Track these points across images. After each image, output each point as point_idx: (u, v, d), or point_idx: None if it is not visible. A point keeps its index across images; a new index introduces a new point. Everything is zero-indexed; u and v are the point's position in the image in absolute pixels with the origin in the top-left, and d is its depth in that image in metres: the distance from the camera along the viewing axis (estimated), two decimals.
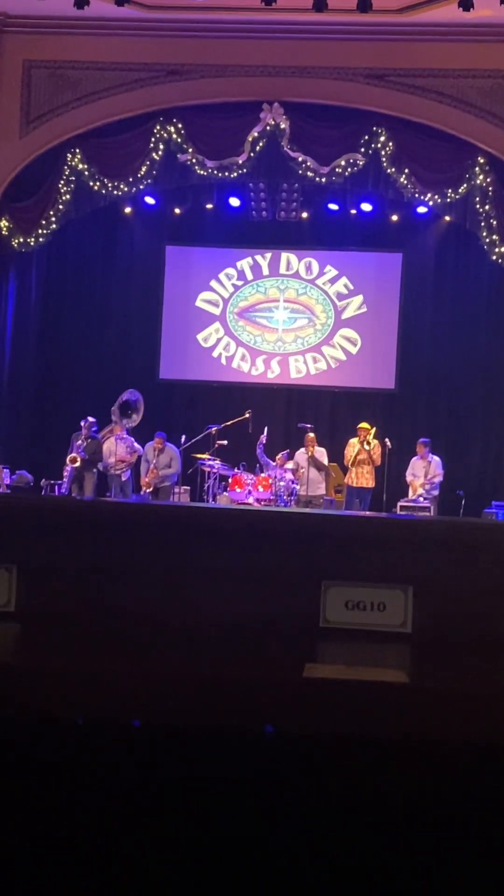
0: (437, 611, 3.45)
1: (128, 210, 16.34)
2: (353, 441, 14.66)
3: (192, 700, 2.68)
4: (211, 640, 3.23)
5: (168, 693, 2.69)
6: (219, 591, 3.50)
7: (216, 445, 14.70)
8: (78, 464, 14.08)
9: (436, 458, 14.78)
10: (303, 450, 14.66)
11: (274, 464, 14.70)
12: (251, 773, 2.63)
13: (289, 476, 14.61)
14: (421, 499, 14.62)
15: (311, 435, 14.65)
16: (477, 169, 14.15)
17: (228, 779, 2.60)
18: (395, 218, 16.05)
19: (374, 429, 14.65)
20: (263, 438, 14.70)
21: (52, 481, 14.59)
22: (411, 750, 2.66)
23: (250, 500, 14.23)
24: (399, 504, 14.52)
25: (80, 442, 14.17)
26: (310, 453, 14.54)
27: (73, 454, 14.14)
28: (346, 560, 3.59)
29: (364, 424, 14.68)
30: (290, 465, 14.70)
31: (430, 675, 3.03)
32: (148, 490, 14.43)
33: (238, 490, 14.41)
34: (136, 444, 14.62)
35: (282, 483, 14.57)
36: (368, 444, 14.47)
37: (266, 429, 14.84)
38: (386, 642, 3.29)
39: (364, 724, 2.66)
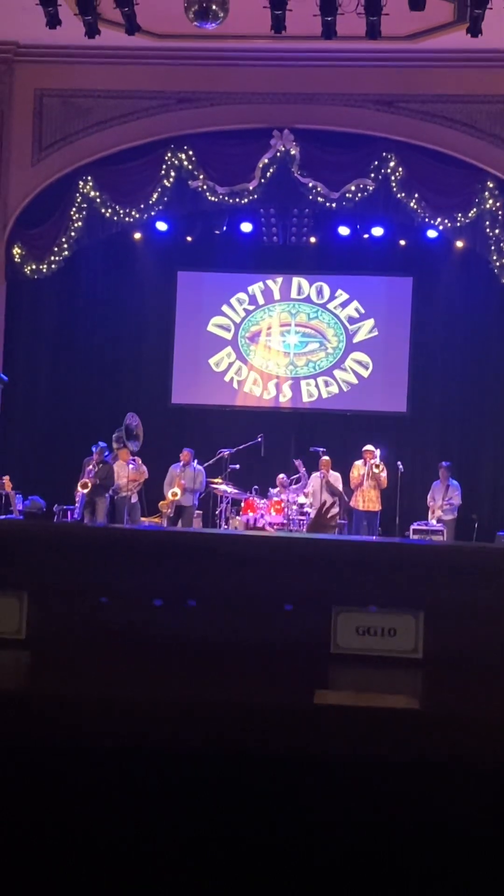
0: (449, 636, 3.44)
1: (139, 236, 16.43)
2: (358, 464, 14.66)
3: (202, 725, 2.68)
4: (221, 666, 3.22)
5: (179, 718, 2.69)
6: (228, 616, 3.50)
7: (228, 470, 14.72)
8: (89, 489, 14.09)
9: (455, 482, 14.80)
10: (317, 473, 14.66)
11: (277, 489, 14.75)
12: (260, 799, 2.63)
13: (301, 500, 14.63)
14: (434, 521, 14.61)
15: (326, 458, 14.65)
16: (486, 193, 14.23)
17: (237, 804, 2.60)
18: (404, 242, 16.10)
19: (378, 451, 14.64)
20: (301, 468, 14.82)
21: (65, 507, 14.61)
22: (423, 776, 2.65)
23: (262, 523, 14.24)
24: (412, 527, 14.51)
25: (91, 467, 14.19)
26: (324, 477, 14.55)
27: (84, 479, 14.16)
28: (357, 585, 3.58)
29: (369, 447, 14.68)
30: (307, 489, 14.74)
31: (442, 700, 3.02)
32: (169, 510, 14.40)
33: (250, 514, 14.41)
34: (142, 466, 14.66)
35: (294, 507, 14.58)
36: (376, 467, 14.46)
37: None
38: (397, 668, 3.28)
39: (375, 751, 2.65)
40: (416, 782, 2.60)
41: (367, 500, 14.55)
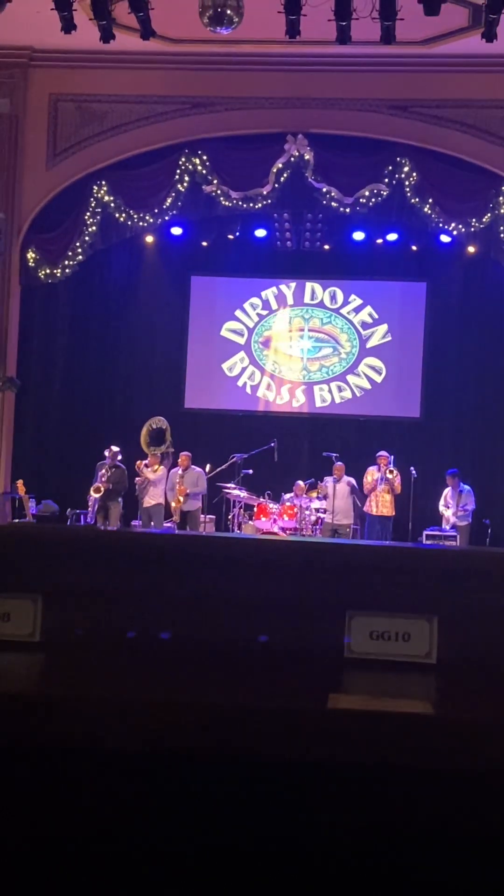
0: (463, 641, 3.43)
1: (153, 241, 16.42)
2: (372, 469, 14.66)
3: (216, 729, 2.68)
4: (235, 670, 3.22)
5: (193, 722, 2.68)
6: (243, 620, 3.50)
7: (241, 475, 14.72)
8: (101, 493, 14.08)
9: (467, 487, 14.76)
10: (330, 478, 14.66)
11: (290, 495, 14.73)
12: (274, 803, 2.62)
13: (315, 505, 14.60)
14: (448, 527, 14.57)
15: (340, 464, 14.65)
16: (501, 198, 14.21)
17: (251, 808, 2.59)
18: (418, 248, 16.07)
19: (392, 457, 14.65)
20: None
21: (78, 511, 14.61)
22: (437, 781, 2.64)
23: (276, 528, 14.22)
24: (425, 533, 14.48)
25: (103, 471, 14.18)
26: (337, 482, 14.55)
27: (97, 484, 14.15)
28: (371, 590, 3.58)
29: (382, 453, 14.67)
30: (315, 493, 14.70)
31: (456, 706, 3.01)
32: (176, 514, 14.32)
33: (263, 519, 14.39)
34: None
35: (307, 512, 14.56)
36: (390, 472, 14.45)
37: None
38: (411, 673, 3.27)
39: (389, 756, 2.64)
40: (430, 787, 2.59)
41: (382, 504, 14.55)
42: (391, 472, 14.46)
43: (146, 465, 14.25)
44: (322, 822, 2.61)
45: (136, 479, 14.28)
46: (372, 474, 14.63)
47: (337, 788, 2.63)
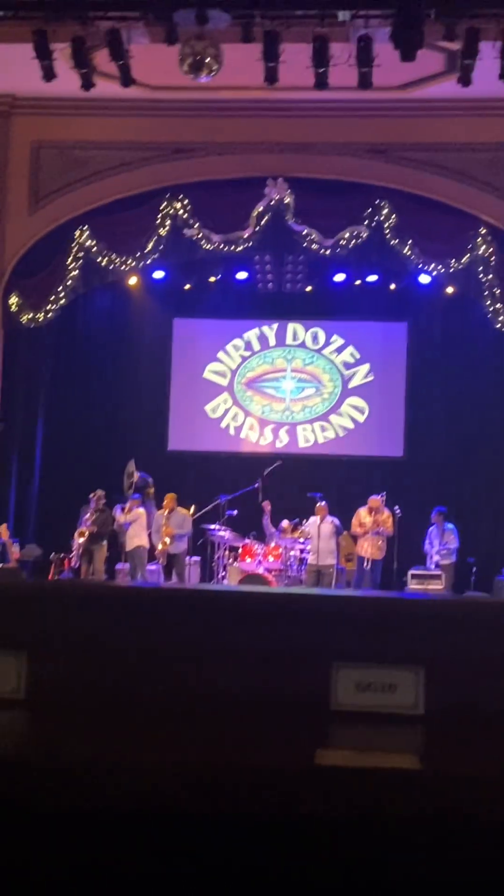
0: (450, 692, 3.42)
1: (135, 284, 16.48)
2: (362, 511, 14.62)
3: (201, 787, 2.66)
4: (220, 725, 3.21)
5: (176, 780, 2.67)
6: (227, 673, 3.49)
7: (226, 516, 14.70)
8: (86, 538, 14.03)
9: (450, 525, 14.79)
10: (314, 518, 14.62)
11: (278, 531, 14.69)
12: (261, 861, 2.60)
13: (299, 546, 14.57)
14: (432, 566, 14.57)
15: (322, 504, 14.63)
16: (479, 240, 14.36)
17: (237, 868, 2.57)
18: (399, 288, 16.18)
19: (384, 495, 14.67)
20: (267, 508, 14.74)
21: (62, 555, 14.55)
22: (427, 836, 2.63)
23: (261, 570, 14.18)
24: (410, 572, 14.46)
25: (88, 515, 14.15)
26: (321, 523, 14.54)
27: (82, 528, 14.12)
28: (357, 640, 3.57)
29: (375, 498, 14.65)
30: (298, 534, 14.65)
31: (445, 759, 3.00)
32: (161, 556, 14.26)
33: (248, 560, 14.35)
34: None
35: (292, 553, 14.53)
36: (390, 517, 14.46)
37: (267, 501, 14.88)
38: (398, 725, 3.26)
39: (377, 812, 2.63)
40: (419, 842, 2.58)
41: (373, 547, 14.51)
42: (384, 524, 14.46)
43: (122, 509, 14.32)
44: (311, 879, 2.59)
45: (114, 524, 14.30)
46: (362, 517, 14.57)
47: (325, 845, 2.61)
